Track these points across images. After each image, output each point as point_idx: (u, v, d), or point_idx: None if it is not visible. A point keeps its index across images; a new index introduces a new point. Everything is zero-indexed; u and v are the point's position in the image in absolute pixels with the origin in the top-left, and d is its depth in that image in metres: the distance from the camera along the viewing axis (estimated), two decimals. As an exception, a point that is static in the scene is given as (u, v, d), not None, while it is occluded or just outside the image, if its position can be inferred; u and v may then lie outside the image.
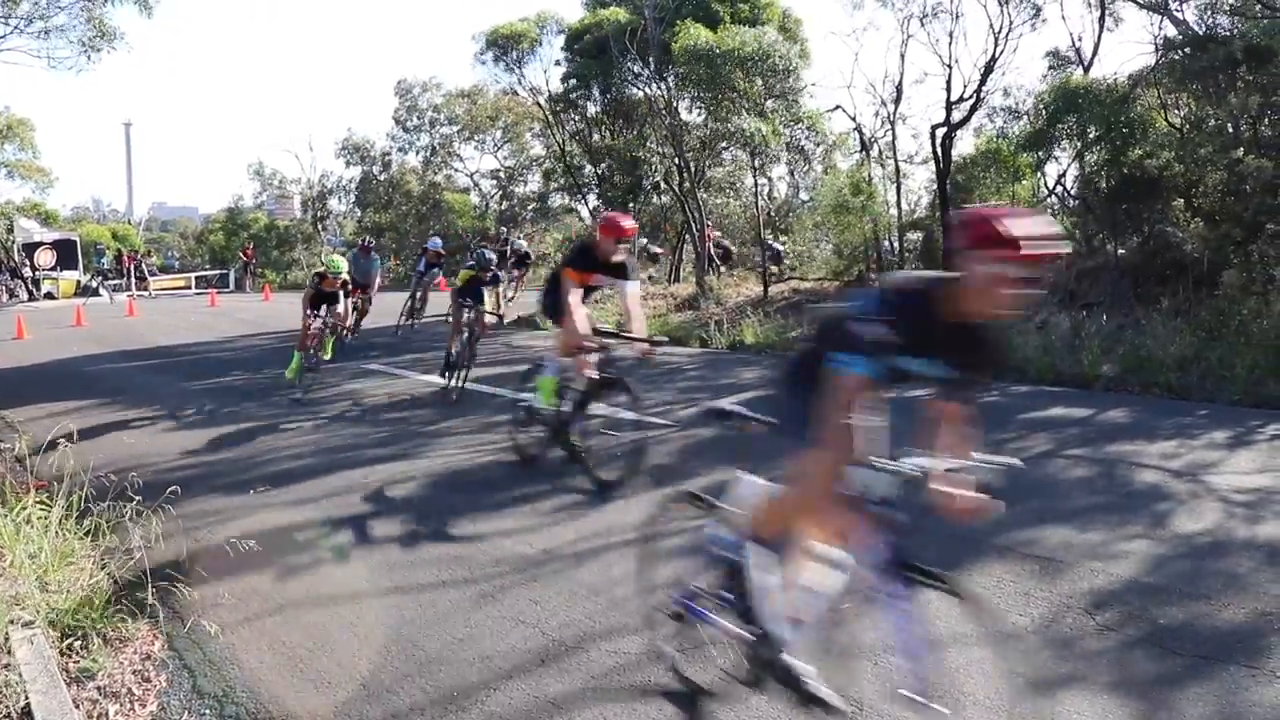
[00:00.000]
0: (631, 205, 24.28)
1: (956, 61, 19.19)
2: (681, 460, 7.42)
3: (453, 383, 10.40)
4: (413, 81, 35.80)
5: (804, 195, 27.73)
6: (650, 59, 20.91)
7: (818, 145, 24.37)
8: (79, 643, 4.24)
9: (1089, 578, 4.91)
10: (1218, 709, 3.66)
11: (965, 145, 20.14)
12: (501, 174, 36.65)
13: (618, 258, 6.87)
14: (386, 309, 17.28)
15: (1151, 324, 11.82)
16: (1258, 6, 13.85)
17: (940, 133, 18.85)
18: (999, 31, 17.86)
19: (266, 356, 14.65)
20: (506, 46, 24.70)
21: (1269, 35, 13.27)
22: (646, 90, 22.08)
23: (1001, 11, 17.76)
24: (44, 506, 5.21)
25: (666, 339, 8.32)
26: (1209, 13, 15.26)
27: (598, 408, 7.10)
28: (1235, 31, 14.02)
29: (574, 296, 6.80)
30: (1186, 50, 14.41)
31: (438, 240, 19.91)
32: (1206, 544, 5.40)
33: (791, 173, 26.89)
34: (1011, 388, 10.04)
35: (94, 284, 33.89)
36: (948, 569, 4.82)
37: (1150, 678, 3.89)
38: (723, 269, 22.84)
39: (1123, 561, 5.13)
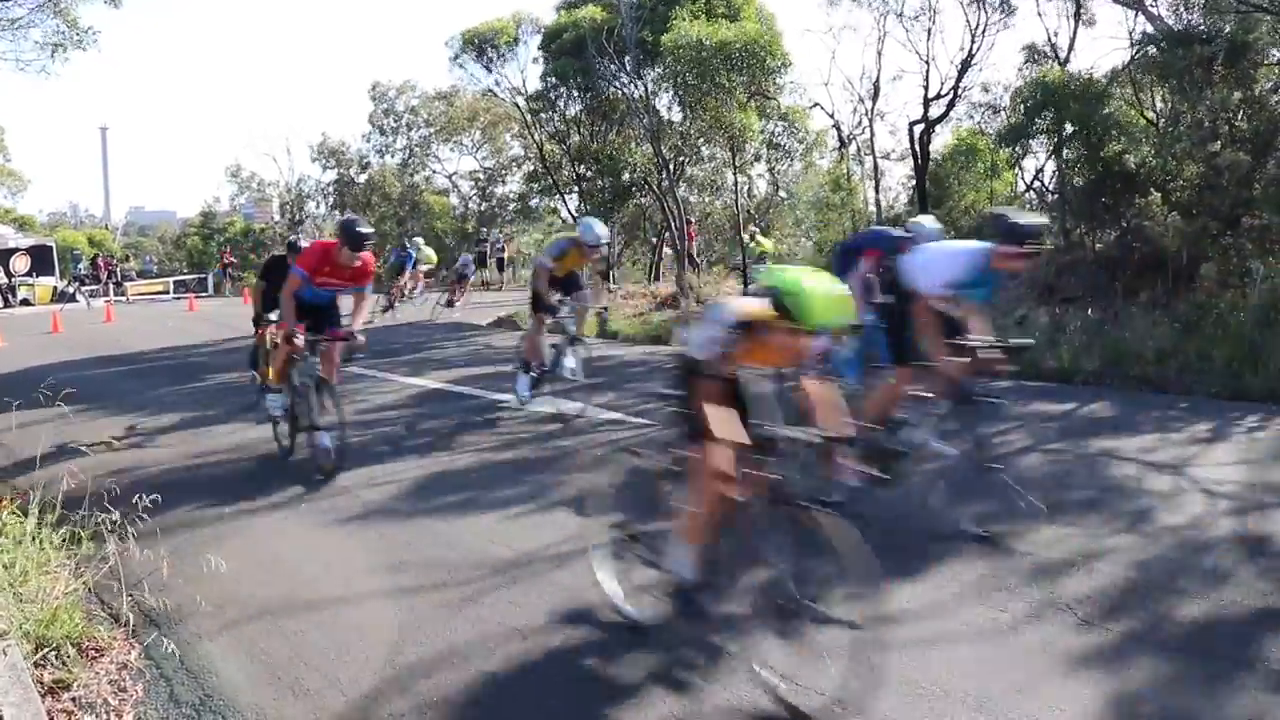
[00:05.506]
0: (616, 210, 24.28)
1: (934, 58, 19.38)
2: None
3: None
4: (388, 84, 35.63)
5: (784, 194, 27.82)
6: (627, 58, 20.88)
7: (800, 143, 24.49)
8: (54, 653, 4.16)
9: (1070, 572, 4.91)
10: (1201, 703, 3.67)
11: (943, 141, 20.28)
12: (480, 175, 36.54)
13: None
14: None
15: (1130, 317, 11.86)
16: (1231, 1, 13.94)
17: (918, 129, 18.96)
18: (976, 28, 17.99)
19: (246, 360, 14.49)
20: (483, 46, 24.59)
21: (1247, 31, 13.38)
22: (625, 90, 22.06)
23: (978, 8, 17.87)
24: (19, 516, 5.14)
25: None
26: (1183, 8, 15.36)
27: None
28: (1213, 28, 14.10)
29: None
30: (1163, 46, 14.49)
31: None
32: (1188, 537, 5.42)
33: (771, 170, 26.97)
34: (991, 383, 10.03)
35: (71, 290, 33.64)
36: (927, 566, 4.85)
37: (1132, 672, 3.90)
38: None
39: (1105, 556, 5.13)
